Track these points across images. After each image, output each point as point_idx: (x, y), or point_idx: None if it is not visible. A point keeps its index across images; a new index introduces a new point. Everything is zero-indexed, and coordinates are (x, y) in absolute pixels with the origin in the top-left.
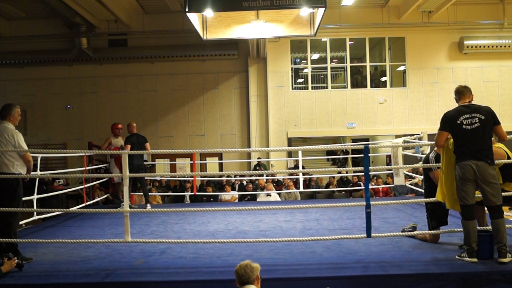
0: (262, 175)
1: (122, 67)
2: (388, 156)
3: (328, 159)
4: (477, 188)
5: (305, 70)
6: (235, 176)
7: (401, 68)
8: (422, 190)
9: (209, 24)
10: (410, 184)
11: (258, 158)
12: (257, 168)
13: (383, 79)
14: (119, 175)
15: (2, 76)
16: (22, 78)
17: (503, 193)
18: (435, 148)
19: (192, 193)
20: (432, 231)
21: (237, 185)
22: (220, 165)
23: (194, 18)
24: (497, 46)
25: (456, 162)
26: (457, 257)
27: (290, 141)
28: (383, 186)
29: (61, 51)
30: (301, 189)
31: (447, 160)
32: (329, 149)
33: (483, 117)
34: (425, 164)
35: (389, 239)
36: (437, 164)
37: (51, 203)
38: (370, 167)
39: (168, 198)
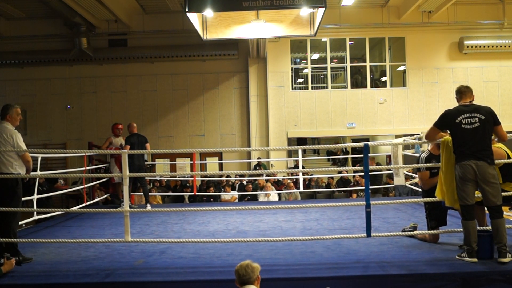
0: (262, 175)
1: (122, 67)
2: (388, 156)
3: (328, 159)
4: (477, 188)
5: (305, 70)
6: (235, 176)
7: (401, 68)
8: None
9: (209, 24)
10: (410, 184)
11: (258, 158)
12: (257, 168)
13: (383, 79)
14: (119, 175)
15: (2, 76)
16: (22, 78)
17: (503, 193)
18: (429, 148)
19: (192, 193)
20: (432, 231)
21: (237, 185)
22: (220, 165)
23: (194, 18)
24: (497, 46)
25: (456, 162)
26: (457, 257)
27: (290, 141)
28: (382, 186)
29: (61, 51)
30: (301, 189)
31: (446, 159)
32: (329, 148)
33: (483, 117)
34: (419, 164)
35: (389, 239)
36: (426, 164)
37: (49, 204)
38: (370, 167)
39: (168, 198)
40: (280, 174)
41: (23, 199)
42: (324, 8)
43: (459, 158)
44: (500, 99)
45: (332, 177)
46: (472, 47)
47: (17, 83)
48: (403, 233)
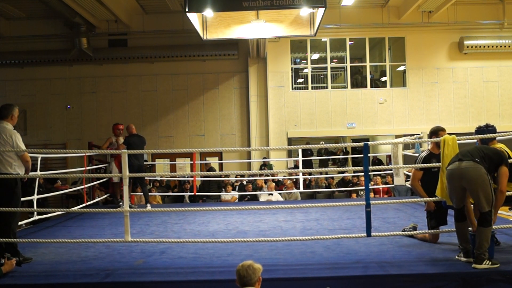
0: (262, 175)
1: (122, 67)
2: (388, 156)
3: (328, 159)
4: (465, 191)
5: (305, 70)
6: (236, 176)
7: (401, 68)
8: None
9: (209, 24)
10: (410, 184)
11: (264, 158)
12: (263, 168)
13: (383, 79)
14: (119, 175)
15: (2, 76)
16: (22, 78)
17: None
18: (429, 147)
19: (192, 193)
20: (432, 231)
21: (237, 186)
22: (220, 165)
23: (194, 18)
24: (497, 46)
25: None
26: (456, 257)
27: (290, 141)
28: (384, 186)
29: (61, 51)
30: (301, 189)
31: (447, 158)
32: (330, 148)
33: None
34: (418, 164)
35: (389, 239)
36: (422, 164)
37: (45, 204)
38: (370, 167)
39: (168, 198)
40: (280, 174)
41: (23, 199)
42: (324, 8)
43: (448, 163)
44: (500, 99)
45: (332, 177)
46: (472, 47)
47: (17, 83)
48: (403, 233)
